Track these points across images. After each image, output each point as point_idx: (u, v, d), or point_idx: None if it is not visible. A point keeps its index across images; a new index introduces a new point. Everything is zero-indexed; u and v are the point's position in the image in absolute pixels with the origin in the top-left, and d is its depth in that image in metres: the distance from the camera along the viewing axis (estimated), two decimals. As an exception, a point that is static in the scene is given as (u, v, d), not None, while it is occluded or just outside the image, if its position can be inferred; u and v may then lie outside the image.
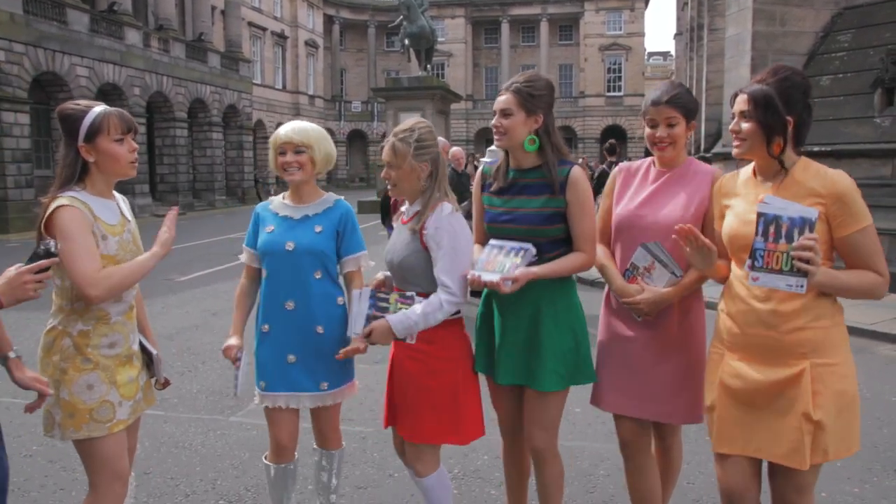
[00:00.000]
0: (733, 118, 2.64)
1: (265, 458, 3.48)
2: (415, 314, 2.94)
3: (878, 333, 7.87)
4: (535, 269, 2.93)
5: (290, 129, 3.22)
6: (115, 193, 2.91)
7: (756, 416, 2.60)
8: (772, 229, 2.31)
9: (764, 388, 2.56)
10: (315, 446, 3.56)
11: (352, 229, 3.31)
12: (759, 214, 2.33)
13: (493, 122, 3.08)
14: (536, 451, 3.15)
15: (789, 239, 2.31)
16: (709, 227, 2.93)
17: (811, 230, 2.32)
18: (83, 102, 2.78)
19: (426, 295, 2.99)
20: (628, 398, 3.11)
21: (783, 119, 2.51)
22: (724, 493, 2.74)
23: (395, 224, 3.26)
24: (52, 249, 2.42)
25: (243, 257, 3.43)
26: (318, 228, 3.24)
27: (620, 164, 3.33)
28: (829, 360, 2.51)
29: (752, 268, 2.35)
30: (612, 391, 3.16)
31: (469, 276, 2.95)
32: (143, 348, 3.00)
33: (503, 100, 3.03)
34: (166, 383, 3.13)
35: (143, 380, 2.98)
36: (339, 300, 3.30)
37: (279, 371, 3.25)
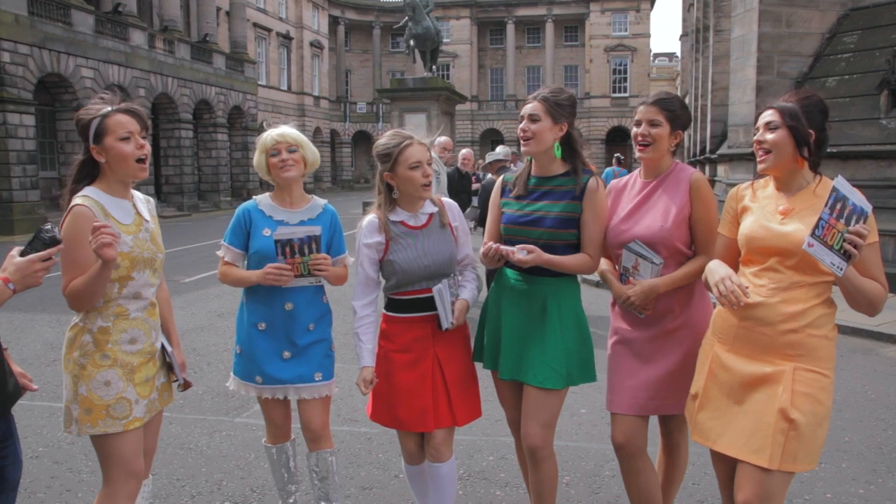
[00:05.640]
0: (755, 133, 2.72)
1: (264, 441, 3.68)
2: (474, 289, 3.39)
3: (884, 335, 7.85)
4: (549, 256, 3.08)
5: (279, 131, 3.39)
6: (137, 194, 2.95)
7: (734, 411, 2.68)
8: (838, 206, 2.41)
9: (746, 381, 2.64)
10: (309, 451, 3.56)
11: (340, 232, 3.54)
12: (834, 189, 2.42)
13: (521, 126, 3.20)
14: (532, 448, 3.18)
15: (847, 222, 2.40)
16: (697, 229, 3.09)
17: (864, 222, 2.41)
18: (94, 107, 2.80)
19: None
20: (632, 396, 3.15)
21: (807, 130, 2.62)
22: (721, 487, 2.92)
23: (394, 235, 3.25)
24: (58, 236, 2.45)
25: (224, 254, 3.44)
26: (319, 228, 3.32)
27: (612, 182, 3.44)
28: (814, 367, 2.57)
29: (812, 234, 2.43)
30: (621, 392, 3.19)
31: (485, 247, 3.15)
32: (163, 349, 3.03)
33: (531, 106, 3.19)
34: (187, 385, 3.15)
35: (161, 380, 3.00)
36: (324, 298, 3.51)
37: (276, 365, 3.38)
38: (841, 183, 2.42)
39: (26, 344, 7.42)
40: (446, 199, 3.45)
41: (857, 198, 2.41)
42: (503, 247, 3.06)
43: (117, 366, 2.77)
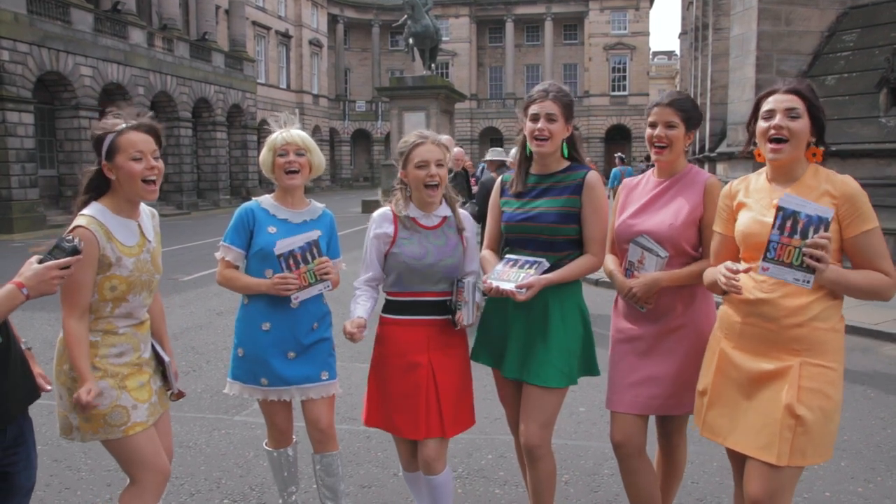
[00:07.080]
0: (767, 118, 2.62)
1: (265, 444, 3.67)
2: (481, 296, 3.29)
3: (883, 333, 7.85)
4: (548, 276, 3.06)
5: (290, 133, 3.39)
6: (143, 207, 2.93)
7: (743, 407, 2.65)
8: (788, 224, 2.37)
9: (752, 378, 2.62)
10: (314, 453, 3.55)
11: (337, 237, 3.58)
12: (779, 209, 2.38)
13: (538, 126, 3.14)
14: (530, 447, 3.18)
15: (804, 235, 2.36)
16: (707, 232, 3.04)
17: (826, 229, 2.36)
18: (109, 122, 2.76)
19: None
20: (634, 395, 3.14)
21: (823, 115, 2.58)
22: (736, 479, 2.91)
23: (405, 233, 3.24)
24: (78, 247, 2.46)
25: (224, 254, 3.41)
26: (317, 233, 3.37)
27: (625, 180, 3.43)
28: (821, 361, 2.53)
29: (764, 258, 2.40)
30: (621, 391, 3.18)
31: (485, 286, 3.12)
32: (156, 355, 3.03)
33: (548, 105, 3.14)
34: (180, 395, 3.15)
35: (157, 384, 3.00)
36: (324, 300, 3.52)
37: (282, 367, 3.36)
38: (787, 200, 2.38)
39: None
40: (461, 210, 3.42)
41: (812, 207, 2.36)
42: (503, 286, 3.02)
43: (108, 376, 2.77)
